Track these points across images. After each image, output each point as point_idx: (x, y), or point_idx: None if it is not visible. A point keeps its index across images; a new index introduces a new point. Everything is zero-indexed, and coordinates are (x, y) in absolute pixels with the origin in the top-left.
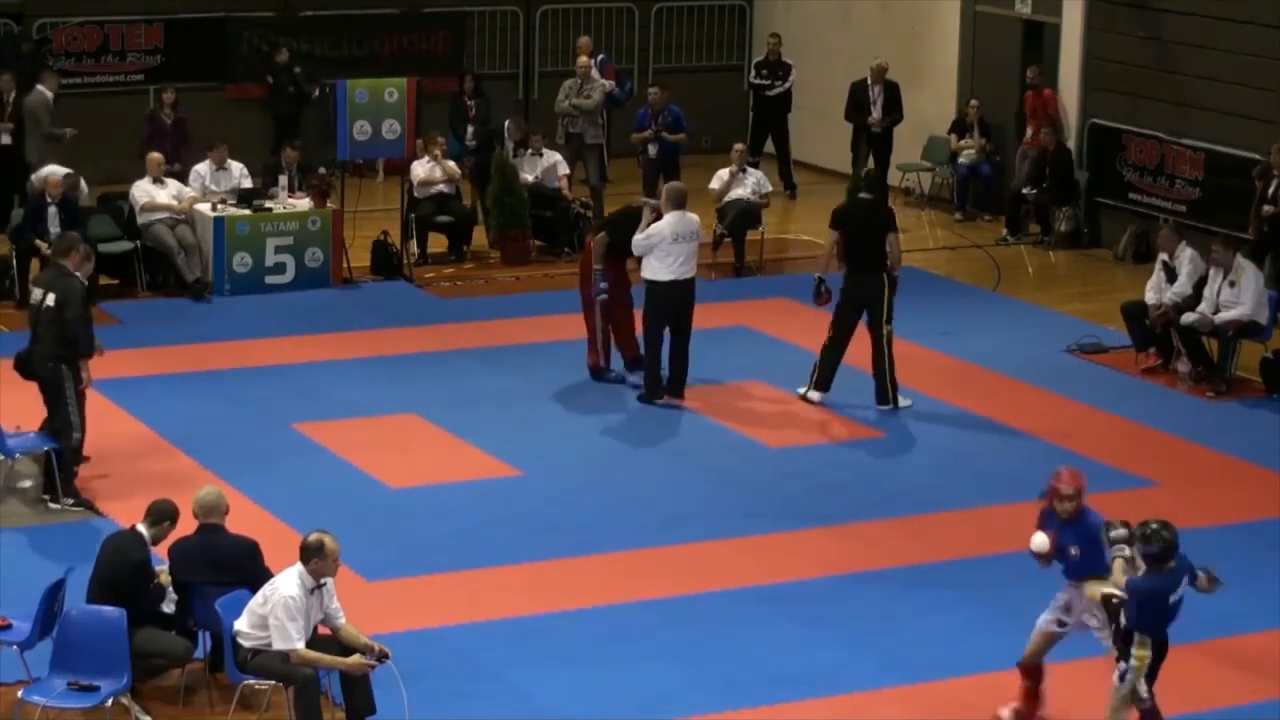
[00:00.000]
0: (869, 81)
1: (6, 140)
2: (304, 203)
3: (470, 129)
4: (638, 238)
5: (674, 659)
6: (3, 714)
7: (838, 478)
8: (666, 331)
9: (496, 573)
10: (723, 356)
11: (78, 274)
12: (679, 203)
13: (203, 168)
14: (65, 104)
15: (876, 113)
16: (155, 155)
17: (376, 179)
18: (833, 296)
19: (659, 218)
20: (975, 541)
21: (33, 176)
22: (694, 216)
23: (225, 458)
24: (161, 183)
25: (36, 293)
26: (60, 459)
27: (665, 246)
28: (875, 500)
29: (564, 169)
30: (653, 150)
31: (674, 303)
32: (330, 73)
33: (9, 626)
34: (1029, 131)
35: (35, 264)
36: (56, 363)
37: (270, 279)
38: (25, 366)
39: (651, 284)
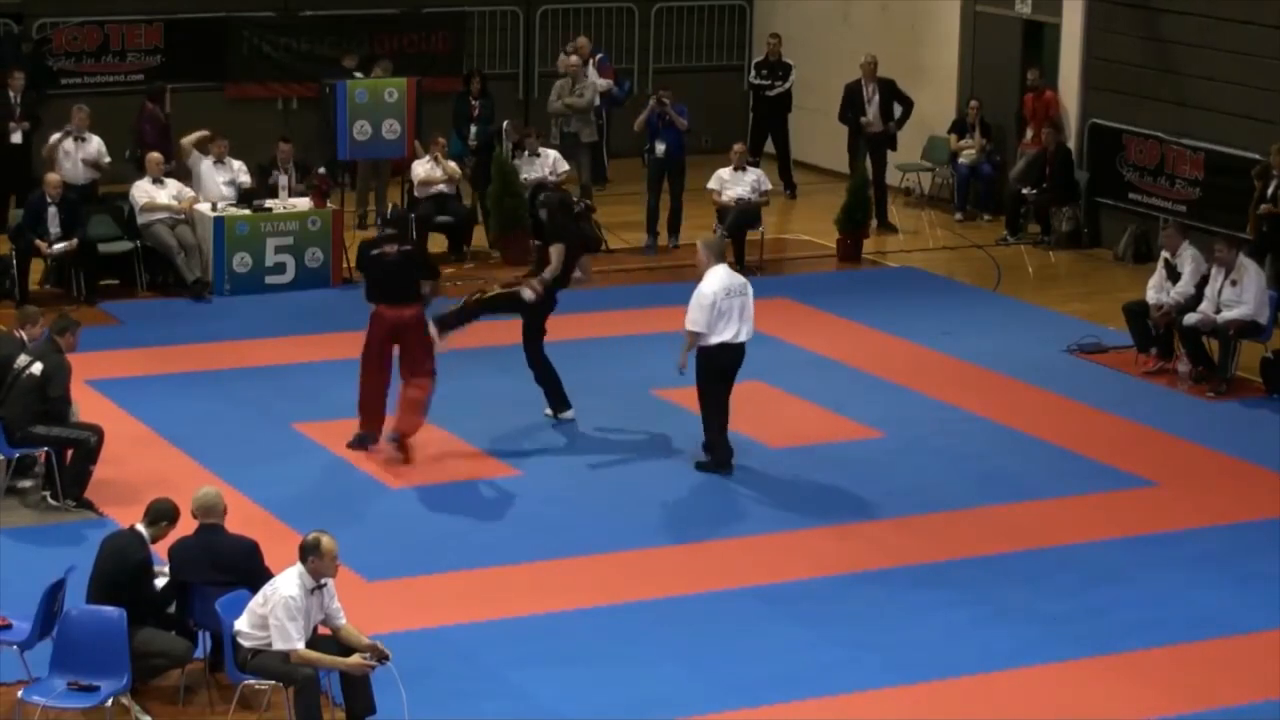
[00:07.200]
0: (862, 81)
1: (18, 139)
2: (304, 202)
3: (473, 129)
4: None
5: (674, 659)
6: (3, 714)
7: (838, 478)
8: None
9: (496, 573)
10: None
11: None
12: (721, 255)
13: (205, 164)
14: (65, 104)
15: (871, 111)
16: (155, 155)
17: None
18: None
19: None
20: (975, 541)
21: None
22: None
23: (225, 458)
24: (161, 183)
25: (22, 358)
26: (72, 458)
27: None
28: (875, 500)
29: (563, 165)
30: (659, 149)
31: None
32: (330, 73)
33: (9, 626)
34: (1029, 133)
35: (36, 264)
36: (32, 425)
37: (270, 279)
38: (9, 436)
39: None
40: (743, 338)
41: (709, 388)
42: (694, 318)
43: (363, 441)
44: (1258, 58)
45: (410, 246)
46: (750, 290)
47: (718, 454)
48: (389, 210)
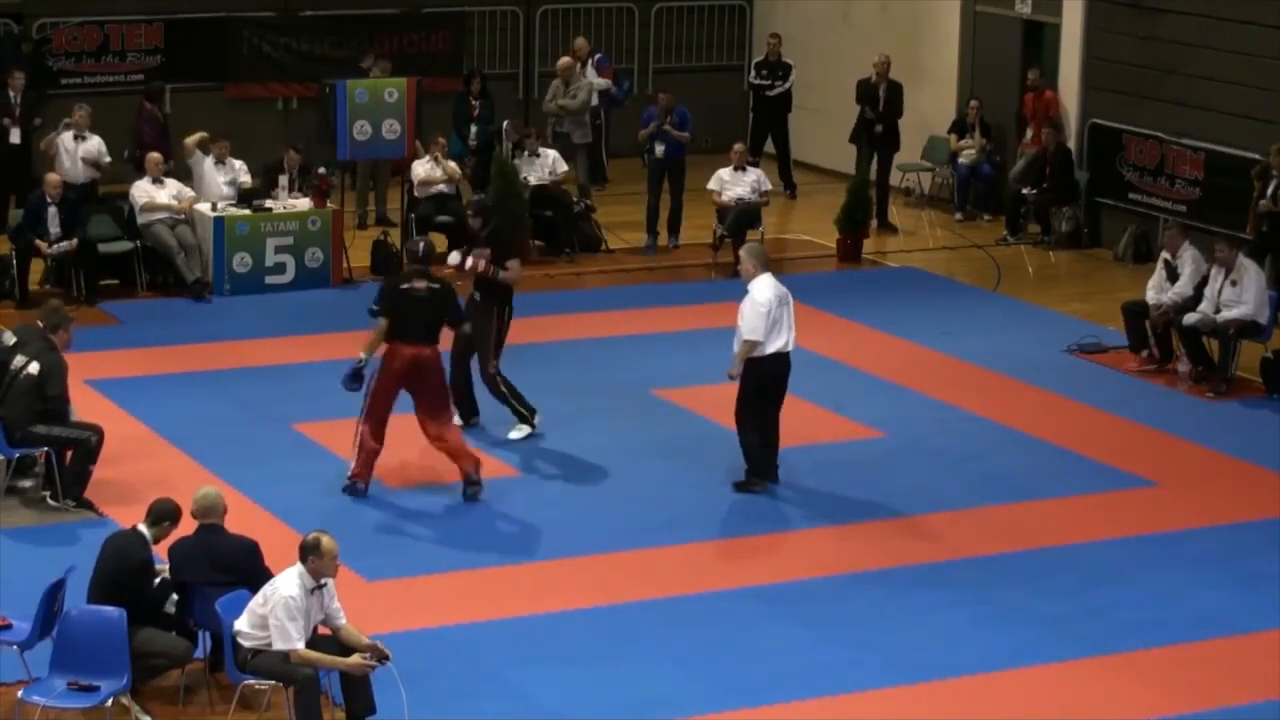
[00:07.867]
0: (874, 79)
1: (16, 139)
2: (304, 203)
3: (473, 129)
4: (747, 320)
5: (674, 659)
6: (3, 714)
7: (838, 478)
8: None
9: (496, 573)
10: (724, 356)
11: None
12: (767, 263)
13: (206, 164)
14: (65, 104)
15: (881, 109)
16: (155, 155)
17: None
18: None
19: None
20: (975, 541)
21: None
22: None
23: (225, 458)
24: (161, 183)
25: (19, 358)
26: (72, 458)
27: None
28: (875, 500)
29: (562, 166)
30: (659, 150)
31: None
32: (330, 73)
33: (9, 626)
34: (1029, 133)
35: (36, 264)
36: (32, 425)
37: (270, 279)
38: (9, 436)
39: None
40: (790, 347)
41: (755, 399)
42: (753, 326)
43: (355, 490)
44: (1258, 58)
45: (439, 285)
46: (791, 298)
47: (757, 465)
48: (419, 247)
